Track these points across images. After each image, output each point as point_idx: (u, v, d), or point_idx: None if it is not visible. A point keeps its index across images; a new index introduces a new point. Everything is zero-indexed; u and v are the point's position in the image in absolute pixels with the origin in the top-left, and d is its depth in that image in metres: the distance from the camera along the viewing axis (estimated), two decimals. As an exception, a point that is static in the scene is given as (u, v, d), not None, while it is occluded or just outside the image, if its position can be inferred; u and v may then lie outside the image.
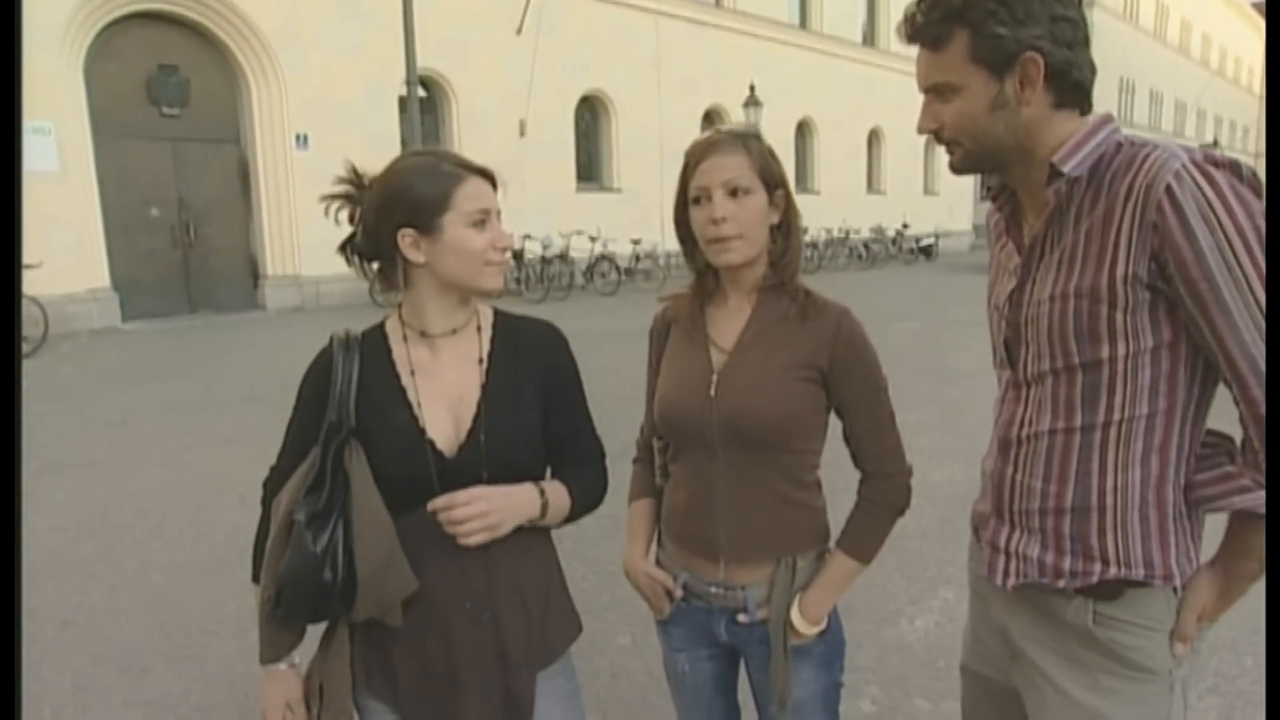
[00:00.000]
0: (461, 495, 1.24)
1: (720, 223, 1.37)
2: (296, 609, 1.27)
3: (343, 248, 1.37)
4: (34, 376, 8.44)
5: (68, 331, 10.70)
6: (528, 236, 14.90)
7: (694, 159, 1.42)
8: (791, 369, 1.40)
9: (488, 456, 1.30)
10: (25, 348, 9.37)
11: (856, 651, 3.02)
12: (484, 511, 1.24)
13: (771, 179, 1.42)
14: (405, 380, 1.35)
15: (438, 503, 1.24)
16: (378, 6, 13.27)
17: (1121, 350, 1.14)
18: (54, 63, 10.91)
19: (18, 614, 0.77)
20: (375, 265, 1.37)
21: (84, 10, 11.19)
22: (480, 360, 1.37)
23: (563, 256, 15.37)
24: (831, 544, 1.50)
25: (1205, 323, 1.10)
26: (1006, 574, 1.29)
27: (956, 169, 1.27)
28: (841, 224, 22.38)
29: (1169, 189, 1.07)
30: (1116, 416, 1.17)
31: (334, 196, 1.36)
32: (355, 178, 1.36)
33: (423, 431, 1.31)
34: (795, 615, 1.42)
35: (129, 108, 12.09)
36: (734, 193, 1.38)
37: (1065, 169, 1.15)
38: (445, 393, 1.35)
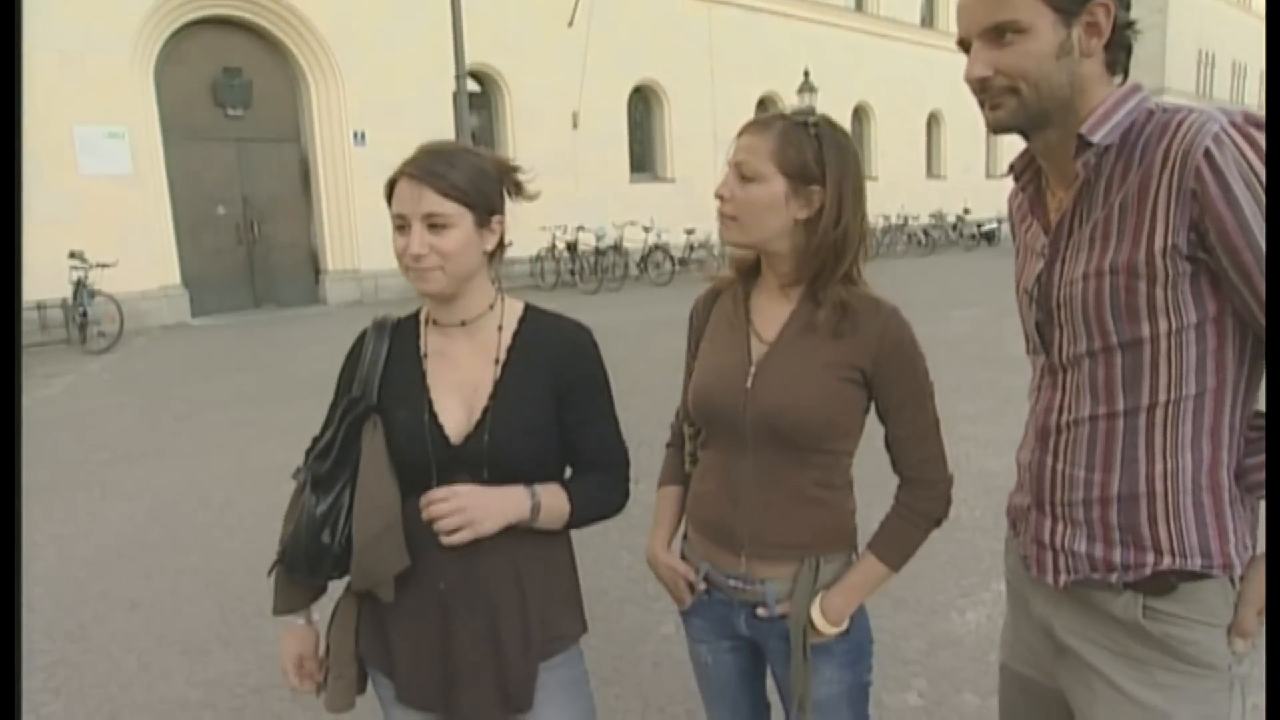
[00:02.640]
0: (440, 492, 1.25)
1: (719, 200, 1.36)
2: (296, 566, 1.32)
3: None
4: (111, 370, 8.83)
5: (141, 328, 11.16)
6: (581, 228, 14.97)
7: (739, 134, 1.39)
8: (833, 368, 1.34)
9: (489, 451, 1.30)
10: (103, 343, 9.84)
11: (904, 644, 2.97)
12: (460, 508, 1.23)
13: (797, 171, 1.32)
14: (424, 365, 1.38)
15: (423, 499, 1.26)
16: (430, 4, 13.44)
17: (1163, 327, 1.08)
18: (127, 69, 11.36)
19: (18, 615, 0.79)
20: None
21: (154, 18, 11.61)
22: (497, 355, 1.37)
23: (616, 247, 15.40)
24: (859, 547, 1.46)
25: (1251, 294, 1.03)
26: (1057, 571, 1.23)
27: (1001, 124, 1.15)
28: (900, 210, 21.91)
29: (1208, 153, 1.00)
30: (1162, 398, 1.11)
31: None
32: None
33: (433, 416, 1.33)
34: (816, 614, 1.38)
35: (196, 110, 12.53)
36: (742, 176, 1.34)
37: (1095, 139, 1.09)
38: (460, 382, 1.36)
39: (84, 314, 9.92)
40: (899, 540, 1.40)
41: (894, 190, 23.13)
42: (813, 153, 1.33)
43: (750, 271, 1.48)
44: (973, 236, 23.46)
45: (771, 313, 1.42)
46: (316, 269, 14.07)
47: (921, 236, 21.80)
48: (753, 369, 1.38)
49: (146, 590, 3.63)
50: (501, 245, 1.37)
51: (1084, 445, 1.18)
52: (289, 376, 8.04)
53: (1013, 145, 1.18)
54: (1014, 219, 1.36)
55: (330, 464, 1.30)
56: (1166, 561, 1.13)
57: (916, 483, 1.40)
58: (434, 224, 1.26)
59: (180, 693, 2.85)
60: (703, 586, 1.50)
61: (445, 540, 1.24)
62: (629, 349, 8.23)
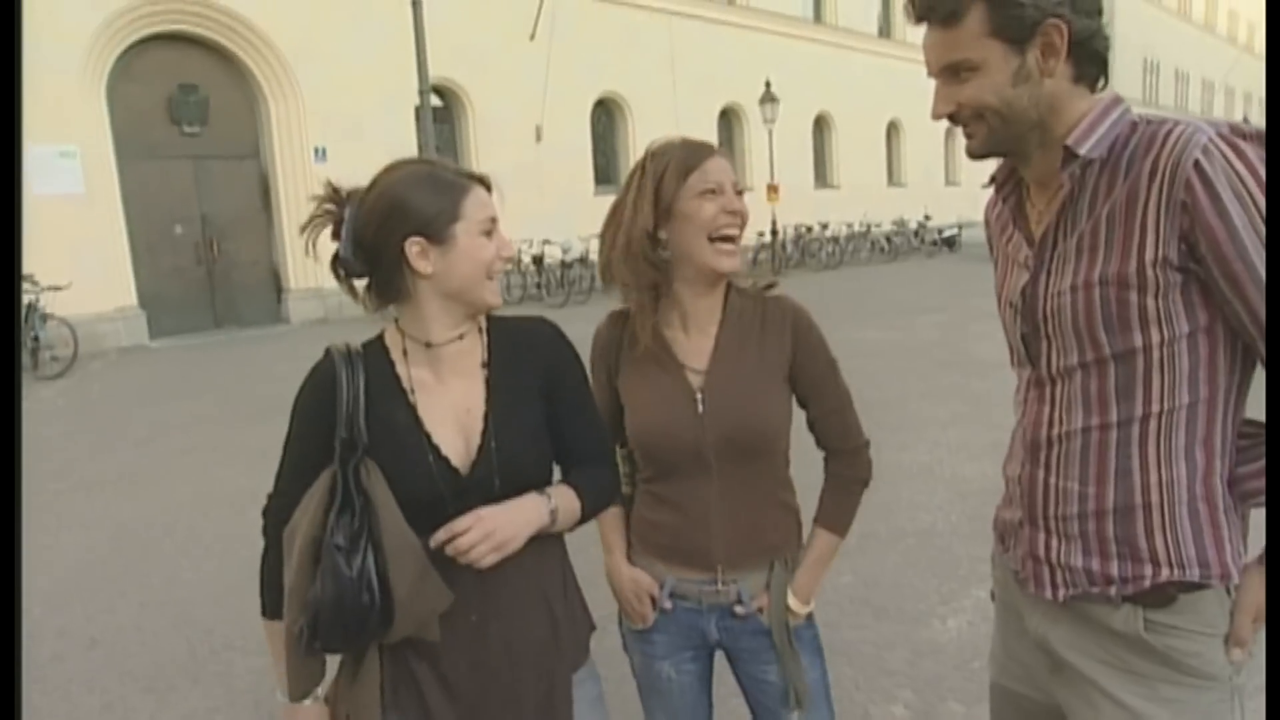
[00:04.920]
0: (461, 522, 1.19)
1: (738, 214, 1.41)
2: (335, 636, 1.20)
3: (333, 264, 1.32)
4: (65, 396, 8.57)
5: (97, 350, 10.86)
6: (547, 241, 14.91)
7: (696, 156, 1.42)
8: (766, 371, 1.45)
9: (499, 467, 1.27)
10: (56, 368, 9.54)
11: (888, 654, 2.95)
12: (487, 532, 1.19)
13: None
14: (411, 399, 1.30)
15: (439, 536, 1.20)
16: (391, 19, 13.33)
17: (1156, 338, 1.08)
18: (77, 87, 11.11)
19: (18, 617, 0.74)
20: (365, 281, 1.32)
21: (105, 34, 11.37)
22: (481, 368, 1.33)
23: (583, 260, 15.33)
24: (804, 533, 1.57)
25: (1241, 304, 1.04)
26: (1054, 585, 1.21)
27: (976, 153, 1.18)
28: (863, 217, 22.16)
29: (1198, 165, 1.01)
30: (1155, 409, 1.10)
31: (315, 219, 1.31)
32: (333, 193, 1.31)
33: (436, 450, 1.27)
34: (790, 598, 1.48)
35: (151, 128, 12.28)
36: (739, 193, 1.44)
37: (1081, 150, 1.09)
38: (452, 408, 1.30)
39: (36, 338, 9.62)
40: (841, 508, 1.53)
41: (856, 198, 23.42)
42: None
43: (652, 307, 1.46)
44: (934, 242, 23.78)
45: (691, 345, 1.48)
46: (278, 287, 13.83)
47: (884, 243, 22.05)
48: (699, 395, 1.44)
49: (108, 625, 3.50)
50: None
51: (1077, 458, 1.17)
52: (253, 398, 7.86)
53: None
54: (992, 230, 1.35)
55: (357, 520, 1.20)
56: (1165, 573, 1.12)
57: (844, 453, 1.53)
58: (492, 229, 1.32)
59: (146, 733, 2.74)
60: (669, 604, 1.53)
61: (478, 566, 1.20)
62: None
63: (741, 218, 1.42)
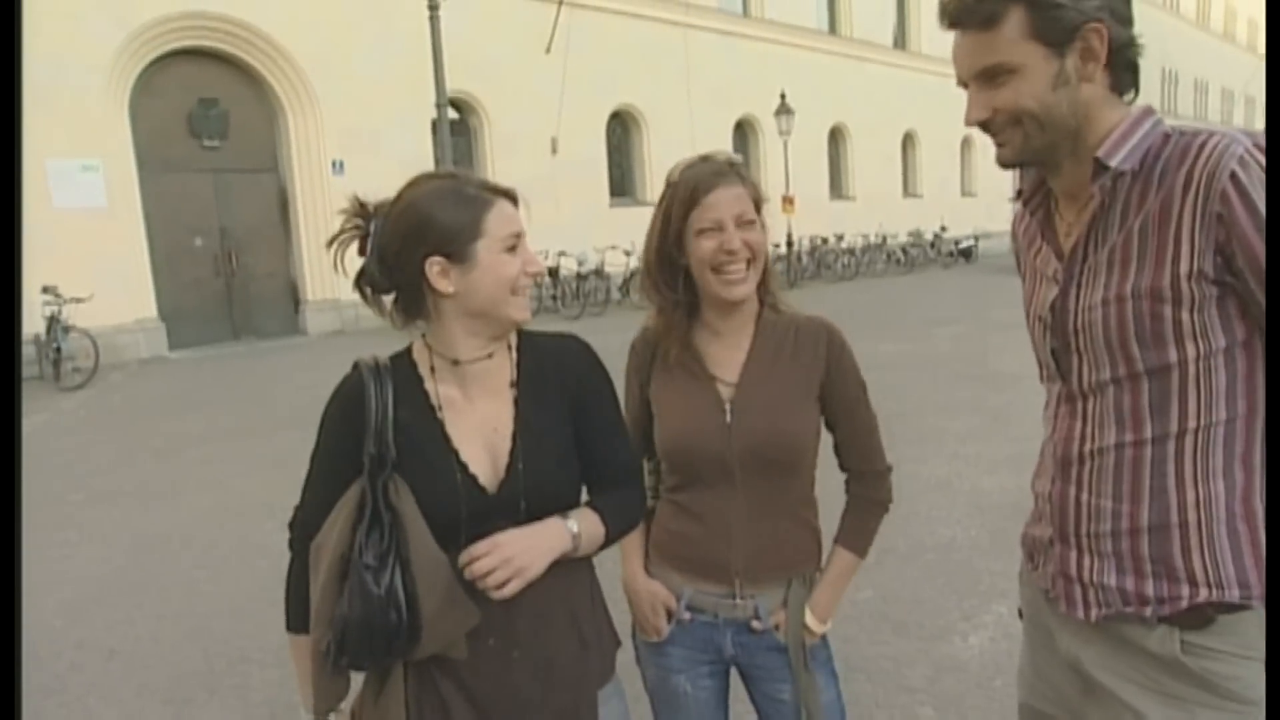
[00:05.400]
0: (479, 548, 1.18)
1: (736, 254, 1.40)
2: (362, 654, 1.19)
3: (358, 280, 1.30)
4: (86, 407, 8.66)
5: (118, 362, 10.97)
6: (563, 253, 14.96)
7: (697, 191, 1.41)
8: (798, 388, 1.47)
9: (526, 488, 1.25)
10: (78, 379, 9.64)
11: (908, 671, 2.91)
12: (506, 559, 1.18)
13: (759, 206, 1.46)
14: (439, 416, 1.28)
15: (463, 556, 1.19)
16: (408, 33, 13.46)
17: (1191, 352, 1.06)
18: (100, 101, 11.27)
19: (18, 617, 0.73)
20: (391, 297, 1.30)
21: (128, 50, 11.55)
22: (510, 386, 1.31)
23: (598, 272, 15.39)
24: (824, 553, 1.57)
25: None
26: (1087, 605, 1.19)
27: (1009, 161, 1.15)
28: (878, 229, 22.11)
29: (1234, 176, 0.99)
30: (1191, 424, 1.08)
31: (342, 234, 1.30)
32: (359, 207, 1.30)
33: (464, 469, 1.25)
34: (808, 616, 1.48)
35: (172, 142, 12.43)
36: (745, 223, 1.42)
37: (1113, 163, 1.07)
38: (480, 426, 1.29)
39: (58, 350, 9.73)
40: (862, 530, 1.54)
41: (871, 209, 23.35)
42: (757, 187, 1.48)
43: (683, 321, 1.49)
44: (950, 254, 23.69)
45: (725, 357, 1.49)
46: (296, 299, 13.94)
47: (900, 255, 21.98)
48: (728, 405, 1.45)
49: (126, 637, 3.51)
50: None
51: (1110, 475, 1.14)
52: (270, 409, 7.91)
53: (988, 163, 1.15)
54: (1020, 244, 1.34)
55: (385, 538, 1.19)
56: (1203, 594, 1.09)
57: (868, 475, 1.54)
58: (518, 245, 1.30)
59: (163, 745, 2.74)
60: (686, 616, 1.52)
61: (495, 595, 1.18)
62: (613, 373, 8.15)
63: (751, 250, 1.41)
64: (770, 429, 1.43)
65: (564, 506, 1.29)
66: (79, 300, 10.04)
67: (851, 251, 20.67)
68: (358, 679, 1.33)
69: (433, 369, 1.30)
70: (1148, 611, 1.12)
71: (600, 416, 1.36)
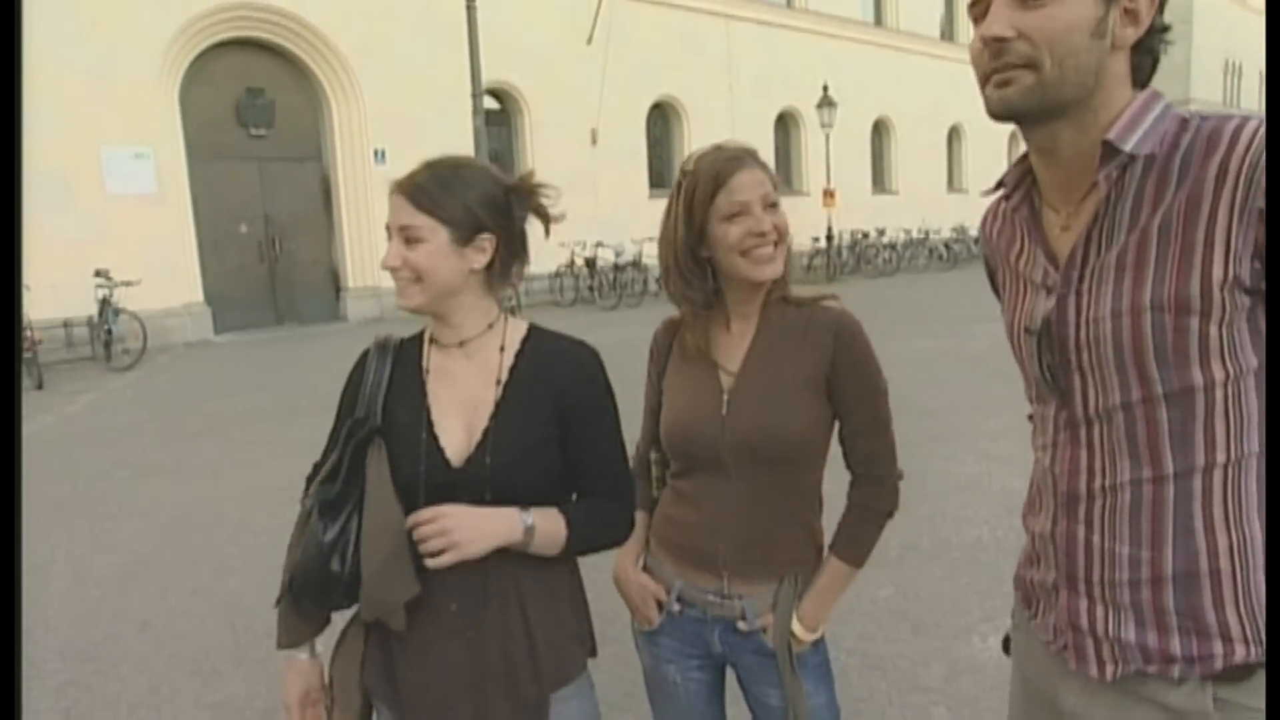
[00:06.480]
0: (426, 513, 1.21)
1: (765, 235, 1.38)
2: (304, 597, 1.28)
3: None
4: (134, 387, 8.93)
5: (165, 344, 11.28)
6: (600, 244, 15.00)
7: (720, 177, 1.39)
8: (799, 383, 1.41)
9: (491, 473, 1.27)
10: (127, 360, 9.95)
11: (923, 670, 2.89)
12: (444, 530, 1.20)
13: (776, 190, 1.44)
14: (425, 381, 1.34)
15: (410, 519, 1.23)
16: (450, 24, 13.57)
17: (1219, 374, 0.92)
18: (153, 91, 11.56)
19: (18, 616, 0.77)
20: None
21: (180, 40, 11.82)
22: (499, 375, 1.33)
23: (635, 263, 15.38)
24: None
25: None
26: (1102, 662, 1.03)
27: (1009, 104, 0.96)
28: (921, 224, 21.77)
29: None
30: (1220, 458, 0.94)
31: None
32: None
33: (433, 436, 1.29)
34: (795, 624, 1.43)
35: (220, 130, 12.71)
36: (770, 205, 1.40)
37: (1126, 146, 0.92)
38: (461, 401, 1.32)
39: (109, 331, 10.05)
40: (858, 539, 1.46)
41: (914, 204, 23.00)
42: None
43: (706, 313, 1.48)
44: (995, 250, 23.22)
45: (730, 347, 1.47)
46: (337, 286, 14.18)
47: (943, 251, 21.61)
48: (726, 396, 1.43)
49: (160, 609, 3.62)
50: (498, 264, 1.33)
51: (1126, 515, 0.99)
52: (308, 393, 8.07)
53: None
54: (995, 244, 1.17)
55: (338, 489, 1.27)
56: (1240, 652, 0.95)
57: (866, 479, 1.46)
58: (408, 237, 1.26)
59: (188, 715, 2.82)
60: (676, 608, 1.51)
61: (429, 563, 1.21)
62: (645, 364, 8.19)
63: (778, 232, 1.39)
64: (764, 423, 1.40)
65: (531, 500, 1.29)
66: (129, 284, 10.35)
67: (893, 246, 20.38)
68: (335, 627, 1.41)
69: (432, 339, 1.37)
70: (1174, 671, 0.98)
71: (583, 426, 1.34)
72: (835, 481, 1.51)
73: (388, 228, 1.28)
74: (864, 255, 19.91)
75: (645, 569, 1.57)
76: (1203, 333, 0.91)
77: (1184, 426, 0.94)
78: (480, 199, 1.28)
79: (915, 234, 21.36)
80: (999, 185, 1.12)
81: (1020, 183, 1.09)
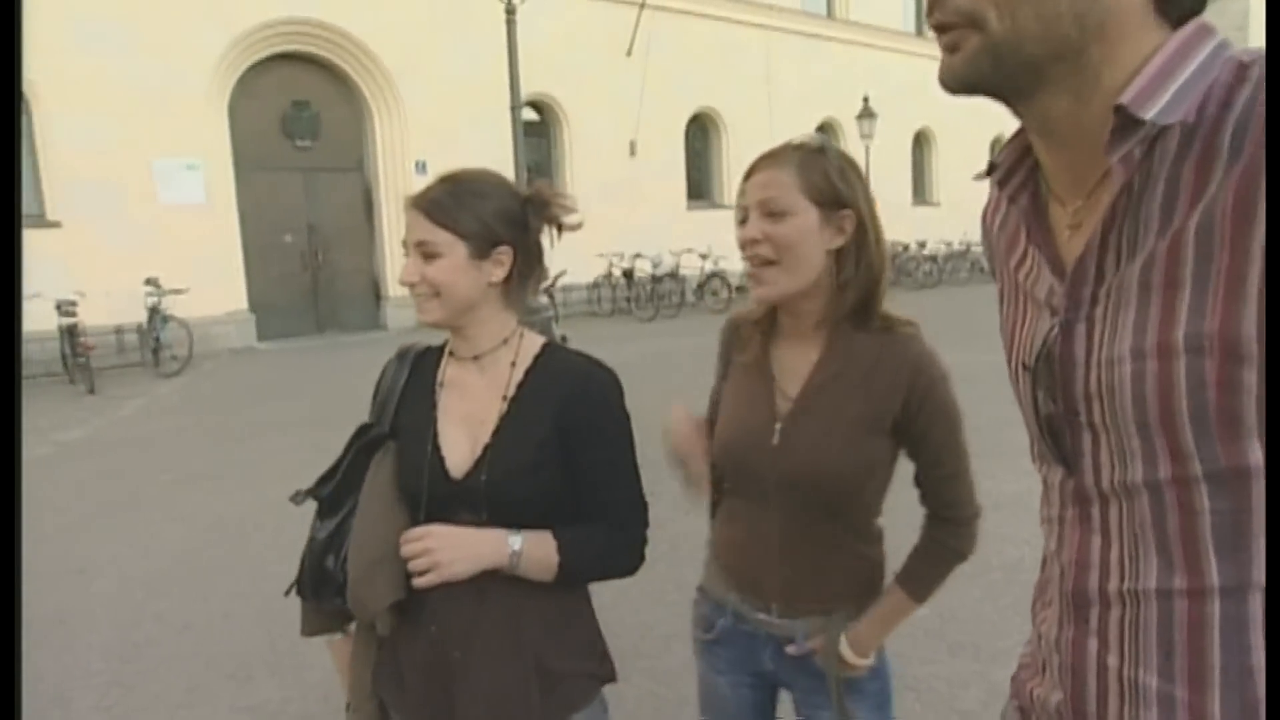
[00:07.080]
0: (414, 532, 1.22)
1: (751, 245, 1.28)
2: (307, 590, 1.32)
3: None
4: (180, 393, 9.13)
5: (210, 351, 11.54)
6: (638, 255, 15.02)
7: (746, 174, 1.33)
8: (862, 421, 1.29)
9: (487, 490, 1.25)
10: (174, 366, 10.18)
11: (961, 693, 2.82)
12: (427, 549, 1.20)
13: (827, 198, 1.26)
14: (437, 392, 1.36)
15: (401, 538, 1.24)
16: (490, 36, 13.69)
17: None
18: (203, 105, 11.88)
19: (18, 615, 0.78)
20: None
21: (230, 55, 12.14)
22: (506, 392, 1.31)
23: (673, 274, 15.39)
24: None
25: None
26: None
27: (957, 75, 0.70)
28: (963, 236, 21.46)
29: None
30: None
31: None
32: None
33: (436, 448, 1.29)
34: (844, 647, 1.35)
35: (266, 142, 13.01)
36: (771, 214, 1.27)
37: (1147, 114, 0.62)
38: (468, 415, 1.32)
39: (157, 338, 10.30)
40: (927, 576, 1.36)
41: (956, 216, 22.68)
42: (837, 174, 1.28)
43: (767, 319, 1.40)
44: (1039, 263, 22.79)
45: (793, 365, 1.36)
46: (378, 295, 14.39)
47: (985, 263, 21.23)
48: (779, 425, 1.32)
49: (200, 613, 3.68)
50: (516, 276, 1.31)
51: (1153, 634, 0.70)
52: (348, 400, 8.17)
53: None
54: (995, 246, 0.88)
55: (334, 489, 1.30)
56: None
57: (949, 521, 1.35)
58: (426, 252, 1.25)
59: (224, 718, 2.86)
60: (730, 620, 1.46)
61: (415, 582, 1.21)
62: (684, 377, 8.16)
63: (773, 245, 1.26)
64: (816, 467, 1.29)
65: (530, 520, 1.26)
66: (178, 292, 10.60)
67: (934, 259, 20.11)
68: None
69: (451, 351, 1.38)
70: None
71: (585, 450, 1.28)
72: (895, 497, 1.41)
73: (405, 243, 1.28)
74: (904, 268, 19.65)
75: (702, 584, 1.53)
76: (1261, 391, 0.61)
77: (1235, 522, 0.65)
78: (496, 211, 1.27)
79: (956, 246, 21.06)
80: (991, 168, 0.82)
81: (1017, 165, 0.80)
